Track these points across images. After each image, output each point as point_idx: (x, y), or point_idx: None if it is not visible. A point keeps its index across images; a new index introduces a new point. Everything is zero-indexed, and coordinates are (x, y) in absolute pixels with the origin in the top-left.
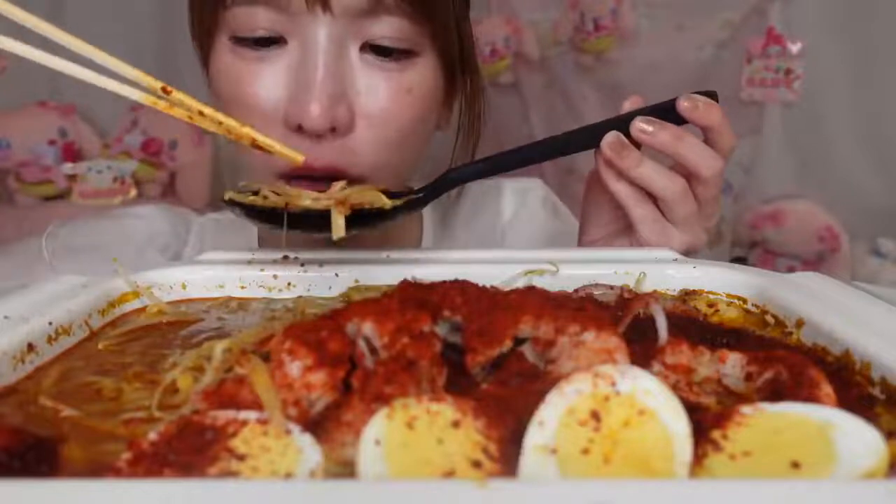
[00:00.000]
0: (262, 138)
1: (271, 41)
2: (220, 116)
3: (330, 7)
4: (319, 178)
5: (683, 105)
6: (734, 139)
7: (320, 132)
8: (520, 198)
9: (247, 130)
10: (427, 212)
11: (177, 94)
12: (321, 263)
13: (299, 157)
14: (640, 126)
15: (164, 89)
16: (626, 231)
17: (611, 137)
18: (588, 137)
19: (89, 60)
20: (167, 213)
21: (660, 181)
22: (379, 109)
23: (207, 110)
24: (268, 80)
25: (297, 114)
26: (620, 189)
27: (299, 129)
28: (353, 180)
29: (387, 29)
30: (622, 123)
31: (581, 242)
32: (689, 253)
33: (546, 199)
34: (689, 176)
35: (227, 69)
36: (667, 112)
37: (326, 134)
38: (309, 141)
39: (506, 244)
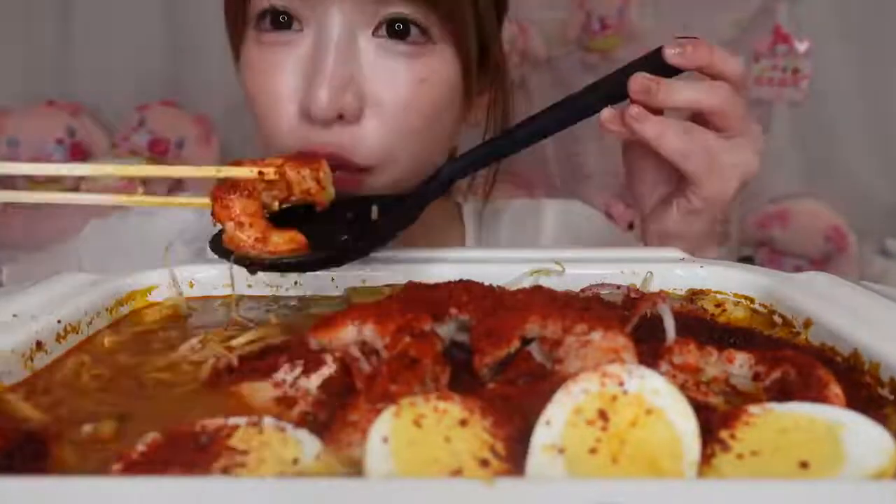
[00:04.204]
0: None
1: (289, 24)
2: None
3: None
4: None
5: (669, 52)
6: (738, 61)
7: (327, 119)
8: (562, 218)
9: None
10: (469, 227)
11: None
12: None
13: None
14: (672, 52)
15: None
16: (678, 189)
17: (637, 82)
18: (588, 102)
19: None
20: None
21: (705, 93)
22: (390, 98)
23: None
24: (285, 70)
25: (307, 101)
26: (655, 131)
27: (309, 117)
28: (359, 170)
29: (400, 7)
30: (623, 76)
31: (641, 214)
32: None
33: (591, 218)
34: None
35: (251, 61)
36: (653, 64)
37: (334, 121)
38: (318, 128)
39: None
